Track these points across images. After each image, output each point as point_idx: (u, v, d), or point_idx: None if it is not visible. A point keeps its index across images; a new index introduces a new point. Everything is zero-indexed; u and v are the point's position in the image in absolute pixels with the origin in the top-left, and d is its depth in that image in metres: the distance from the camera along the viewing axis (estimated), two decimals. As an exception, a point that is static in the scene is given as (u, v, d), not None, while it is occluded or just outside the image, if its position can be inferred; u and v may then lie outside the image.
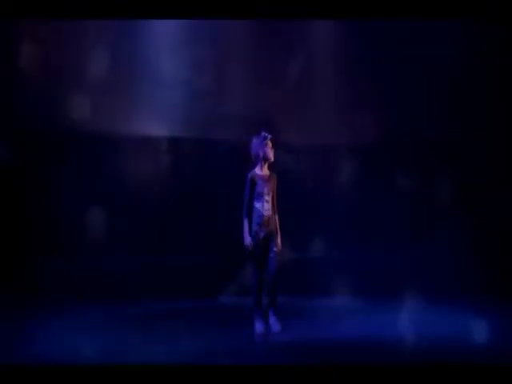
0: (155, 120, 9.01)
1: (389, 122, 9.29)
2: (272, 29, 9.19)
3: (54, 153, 8.47)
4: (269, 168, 6.74)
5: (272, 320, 6.53)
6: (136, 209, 8.85)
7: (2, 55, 8.20)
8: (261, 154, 6.67)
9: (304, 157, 9.43)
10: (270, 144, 6.69)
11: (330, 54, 9.50)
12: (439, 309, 7.74)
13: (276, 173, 6.77)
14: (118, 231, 8.59)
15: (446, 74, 9.00)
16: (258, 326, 6.53)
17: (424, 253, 8.75)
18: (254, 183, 6.63)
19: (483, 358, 5.44)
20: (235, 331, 6.73)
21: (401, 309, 7.75)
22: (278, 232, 6.70)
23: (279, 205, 6.74)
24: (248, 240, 6.55)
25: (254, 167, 6.72)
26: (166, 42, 9.03)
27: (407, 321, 7.09)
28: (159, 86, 8.98)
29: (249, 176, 6.65)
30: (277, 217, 6.72)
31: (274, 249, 6.60)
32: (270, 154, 6.69)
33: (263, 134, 6.69)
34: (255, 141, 6.71)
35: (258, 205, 6.62)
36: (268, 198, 6.65)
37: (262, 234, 6.59)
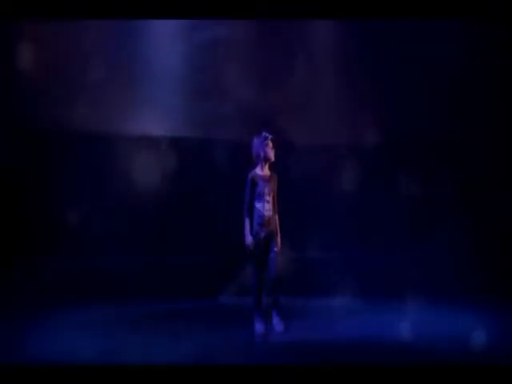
0: (155, 120, 9.01)
1: (389, 121, 9.29)
2: (272, 29, 9.19)
3: (53, 153, 8.47)
4: (269, 168, 6.74)
5: (275, 320, 6.52)
6: (136, 209, 8.85)
7: (2, 55, 8.19)
8: (261, 155, 6.67)
9: (304, 156, 9.42)
10: (270, 144, 6.69)
11: (330, 54, 9.50)
12: (439, 309, 7.74)
13: (276, 173, 6.76)
14: (118, 231, 8.59)
15: (446, 74, 8.99)
16: (258, 326, 6.53)
17: (424, 253, 8.75)
18: (254, 183, 6.62)
19: (483, 358, 5.44)
20: (235, 331, 6.73)
21: (401, 309, 7.75)
22: (278, 232, 6.70)
23: (279, 205, 6.74)
24: (249, 240, 6.55)
25: (254, 167, 6.72)
26: (166, 41, 9.02)
27: (407, 321, 7.08)
28: (159, 85, 8.98)
29: (249, 176, 6.65)
30: (277, 217, 6.72)
31: (275, 249, 6.60)
32: (271, 155, 6.69)
33: (264, 134, 6.69)
34: (256, 141, 6.71)
35: (258, 205, 6.62)
36: (269, 198, 6.65)
37: (262, 234, 6.59)
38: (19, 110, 8.35)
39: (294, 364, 5.43)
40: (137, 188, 8.81)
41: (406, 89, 9.14)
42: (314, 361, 5.48)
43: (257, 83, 9.30)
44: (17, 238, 8.07)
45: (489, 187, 8.84)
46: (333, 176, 9.37)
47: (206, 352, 5.83)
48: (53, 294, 7.82)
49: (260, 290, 6.58)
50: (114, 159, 8.72)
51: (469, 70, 8.91)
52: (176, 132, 9.18)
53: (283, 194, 6.81)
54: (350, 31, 9.23)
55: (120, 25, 8.59)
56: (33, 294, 7.77)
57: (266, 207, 6.63)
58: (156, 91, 8.97)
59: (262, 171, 6.70)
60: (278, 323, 6.52)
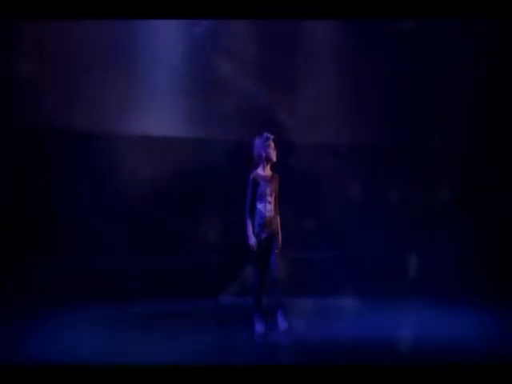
0: (156, 120, 9.00)
1: (389, 122, 9.29)
2: (272, 28, 9.18)
3: (53, 153, 8.46)
4: (271, 168, 6.73)
5: (280, 319, 6.51)
6: (136, 209, 8.84)
7: (2, 55, 8.19)
8: (263, 155, 6.65)
9: (304, 156, 9.42)
10: (272, 145, 6.67)
11: (330, 54, 9.49)
12: (439, 309, 7.74)
13: (277, 173, 6.76)
14: (118, 231, 8.58)
15: (446, 74, 8.99)
16: (258, 326, 6.53)
17: (424, 253, 8.74)
18: (256, 184, 6.61)
19: (483, 358, 5.44)
20: (235, 331, 6.73)
21: (401, 309, 7.75)
22: (280, 233, 6.69)
23: (281, 205, 6.74)
24: (252, 240, 6.53)
25: (256, 168, 6.71)
26: (166, 41, 9.02)
27: (407, 321, 7.09)
28: (160, 85, 8.97)
29: (251, 176, 6.63)
30: (279, 217, 6.71)
31: (276, 250, 6.59)
32: (273, 155, 6.67)
33: (266, 134, 6.67)
34: (258, 141, 6.69)
35: (260, 205, 6.60)
36: (270, 198, 6.64)
37: (263, 235, 6.58)
38: (19, 109, 8.35)
39: (294, 364, 5.43)
40: (137, 188, 8.81)
41: (406, 89, 9.14)
42: (314, 361, 5.48)
43: (257, 83, 9.30)
44: (17, 238, 8.07)
45: (489, 187, 8.84)
46: (333, 176, 9.37)
47: (206, 352, 5.83)
48: (53, 294, 7.81)
49: (260, 290, 6.58)
50: (114, 159, 8.72)
51: (469, 70, 8.90)
52: (176, 132, 9.17)
53: (283, 193, 6.81)
54: (350, 31, 9.23)
55: (120, 25, 8.57)
56: (33, 294, 7.77)
57: (267, 208, 6.62)
58: (156, 91, 8.96)
59: (264, 172, 6.69)
60: (282, 322, 6.51)
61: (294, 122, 9.37)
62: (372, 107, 9.28)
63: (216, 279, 8.94)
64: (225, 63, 9.29)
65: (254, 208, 6.60)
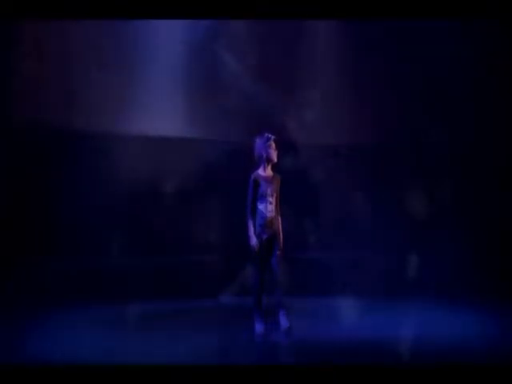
0: (156, 120, 9.00)
1: (389, 122, 9.29)
2: (273, 28, 9.18)
3: (53, 153, 8.46)
4: (272, 169, 6.72)
5: (282, 320, 6.51)
6: (136, 209, 8.85)
7: (2, 55, 8.18)
8: (264, 155, 6.64)
9: (304, 156, 9.42)
10: (273, 145, 6.66)
11: (330, 54, 9.49)
12: (439, 309, 7.74)
13: (278, 173, 6.76)
14: (118, 231, 8.58)
15: (446, 74, 8.99)
16: (258, 326, 6.53)
17: (424, 252, 8.75)
18: (257, 184, 6.59)
19: (483, 358, 5.44)
20: (235, 331, 6.73)
21: (401, 309, 7.75)
22: (281, 233, 6.69)
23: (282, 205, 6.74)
24: (254, 241, 6.52)
25: (257, 168, 6.70)
26: (166, 41, 9.02)
27: (407, 321, 7.09)
28: (160, 85, 8.97)
29: (252, 177, 6.62)
30: (280, 218, 6.70)
31: (278, 252, 6.59)
32: (274, 156, 6.66)
33: (266, 135, 6.66)
34: (258, 142, 6.68)
35: (261, 206, 6.59)
36: (271, 199, 6.62)
37: (264, 236, 6.57)
38: (19, 109, 8.35)
39: (294, 364, 5.43)
40: (137, 188, 8.81)
41: (406, 89, 9.14)
42: (314, 361, 5.48)
43: (257, 83, 9.30)
44: (17, 238, 8.07)
45: (489, 187, 8.83)
46: (333, 176, 9.37)
47: (206, 352, 5.83)
48: (53, 294, 7.81)
49: (261, 290, 6.57)
50: (113, 159, 8.72)
51: (469, 70, 8.90)
52: (177, 132, 9.18)
53: (284, 193, 6.80)
54: (350, 31, 9.23)
55: (120, 25, 8.57)
56: (33, 294, 7.77)
57: (268, 208, 6.60)
58: (156, 91, 8.96)
59: (265, 172, 6.68)
60: (284, 322, 6.50)
61: (295, 122, 9.36)
62: (372, 107, 9.28)
63: (216, 279, 8.94)
64: (225, 63, 9.29)
65: (255, 208, 6.58)
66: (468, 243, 8.58)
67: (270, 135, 6.65)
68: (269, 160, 6.65)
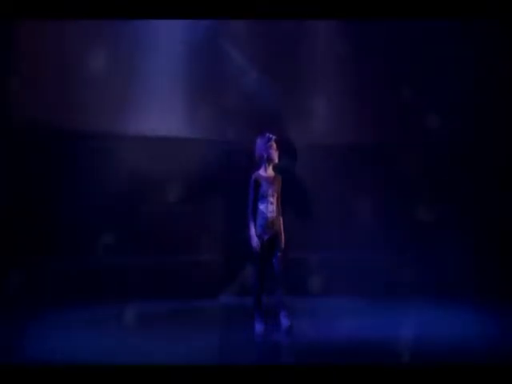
0: (156, 120, 8.99)
1: (390, 122, 9.28)
2: (273, 28, 9.17)
3: (53, 153, 8.45)
4: (273, 169, 6.72)
5: (283, 320, 6.50)
6: (136, 209, 8.85)
7: (2, 55, 8.18)
8: (265, 156, 6.65)
9: (304, 156, 9.42)
10: (274, 145, 6.66)
11: (331, 54, 9.49)
12: (439, 309, 7.74)
13: (279, 173, 6.75)
14: (118, 231, 8.58)
15: (447, 74, 8.99)
16: (258, 326, 6.53)
17: (424, 253, 8.74)
18: (258, 184, 6.60)
19: (483, 358, 5.44)
20: (235, 331, 6.73)
21: (401, 309, 7.75)
22: (282, 234, 6.68)
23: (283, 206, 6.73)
24: (255, 242, 6.52)
25: (258, 168, 6.70)
26: (166, 41, 9.01)
27: (407, 321, 7.09)
28: (160, 85, 8.97)
29: (253, 177, 6.63)
30: (281, 218, 6.70)
31: (279, 254, 6.58)
32: (275, 156, 6.66)
33: (267, 135, 6.67)
34: (259, 142, 6.68)
35: (262, 206, 6.59)
36: (272, 199, 6.62)
37: (266, 236, 6.57)
38: (19, 109, 8.34)
39: (294, 364, 5.43)
40: (137, 188, 8.81)
41: (406, 89, 9.14)
42: (314, 361, 5.48)
43: (258, 84, 9.29)
44: (17, 238, 8.06)
45: (489, 187, 8.83)
46: (333, 176, 9.36)
47: (206, 352, 5.83)
48: (53, 293, 7.81)
49: (261, 290, 6.57)
50: (114, 159, 8.71)
51: (469, 70, 8.90)
52: (177, 132, 9.17)
53: (285, 194, 6.80)
54: (350, 31, 9.22)
55: (120, 24, 8.57)
56: (33, 294, 7.76)
57: (269, 208, 6.60)
58: (156, 91, 8.95)
59: (266, 172, 6.68)
60: (285, 323, 6.50)
61: (296, 122, 9.36)
62: (372, 107, 9.27)
63: (216, 279, 8.94)
64: (225, 63, 9.29)
65: (256, 209, 6.58)
66: (468, 243, 8.57)
67: (270, 135, 6.65)
68: (270, 160, 6.65)
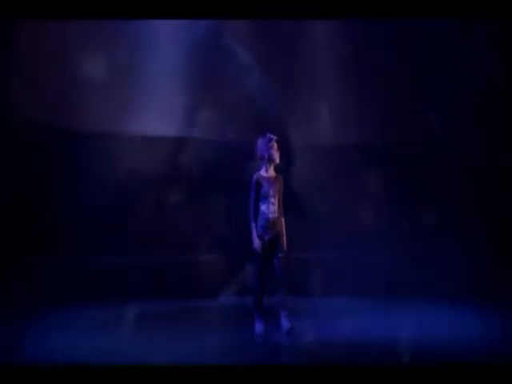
0: (156, 120, 9.00)
1: (390, 122, 9.28)
2: (273, 28, 9.18)
3: (53, 153, 8.45)
4: (274, 169, 6.71)
5: (284, 321, 6.50)
6: (136, 208, 8.84)
7: (2, 55, 8.18)
8: (266, 156, 6.64)
9: (305, 156, 9.42)
10: (275, 146, 6.64)
11: (333, 54, 9.48)
12: (439, 309, 7.74)
13: (280, 173, 6.75)
14: (118, 231, 8.58)
15: (447, 74, 8.99)
16: (258, 326, 6.53)
17: (424, 253, 8.75)
18: (259, 185, 6.58)
19: (484, 358, 5.44)
20: (235, 331, 6.73)
21: (401, 309, 7.75)
22: (284, 234, 6.67)
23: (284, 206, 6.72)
24: (257, 242, 6.51)
25: (259, 169, 6.69)
26: (166, 41, 9.01)
27: (407, 321, 7.09)
28: (160, 86, 8.97)
29: (254, 178, 6.62)
30: (283, 219, 6.69)
31: (280, 254, 6.57)
32: (276, 156, 6.64)
33: (269, 135, 6.65)
34: (260, 142, 6.67)
35: (263, 207, 6.58)
36: (274, 200, 6.61)
37: (267, 237, 6.55)
38: (19, 109, 8.34)
39: (294, 364, 5.43)
40: (137, 188, 8.81)
41: (407, 89, 9.14)
42: (314, 361, 5.48)
43: (258, 83, 9.29)
44: (17, 238, 8.06)
45: (489, 187, 8.83)
46: (334, 176, 9.37)
47: (206, 352, 5.83)
48: (53, 294, 7.81)
49: (261, 290, 6.56)
50: (114, 159, 8.71)
51: (469, 70, 8.90)
52: (177, 132, 9.18)
53: (285, 194, 6.80)
54: (351, 31, 9.22)
55: (120, 24, 8.57)
56: (33, 293, 7.76)
57: (270, 209, 6.59)
58: (156, 91, 8.95)
59: (267, 173, 6.66)
60: (286, 323, 6.49)
61: (296, 122, 9.36)
62: (373, 107, 9.28)
63: (216, 279, 8.94)
64: (225, 63, 9.29)
65: (257, 209, 6.57)
66: (468, 243, 8.58)
67: (272, 136, 6.64)
68: (271, 160, 6.64)
